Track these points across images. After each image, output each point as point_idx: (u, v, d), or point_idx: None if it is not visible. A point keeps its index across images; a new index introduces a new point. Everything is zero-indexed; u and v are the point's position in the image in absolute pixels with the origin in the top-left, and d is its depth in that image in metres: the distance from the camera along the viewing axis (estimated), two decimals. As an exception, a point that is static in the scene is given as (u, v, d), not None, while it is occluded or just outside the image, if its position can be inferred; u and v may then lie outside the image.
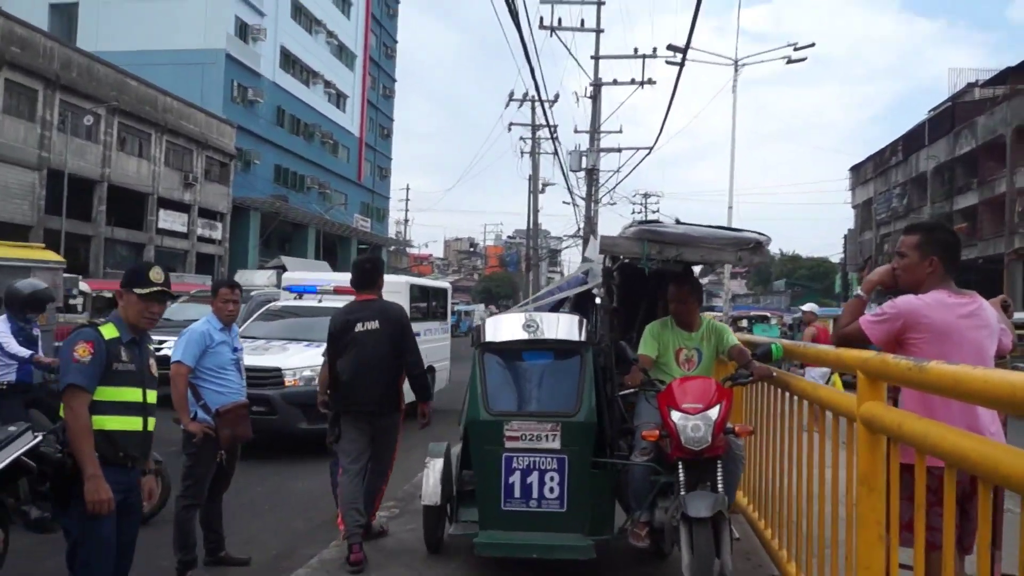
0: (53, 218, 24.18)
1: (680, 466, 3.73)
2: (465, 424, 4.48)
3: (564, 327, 4.47)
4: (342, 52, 46.65)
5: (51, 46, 24.87)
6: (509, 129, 39.61)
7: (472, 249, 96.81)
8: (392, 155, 57.87)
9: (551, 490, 4.08)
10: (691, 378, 4.09)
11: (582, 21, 27.09)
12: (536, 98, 34.64)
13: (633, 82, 27.66)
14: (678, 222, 4.61)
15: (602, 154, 31.35)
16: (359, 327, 4.82)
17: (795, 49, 20.37)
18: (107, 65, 27.28)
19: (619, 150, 33.19)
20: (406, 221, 67.82)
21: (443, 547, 4.75)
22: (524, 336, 4.36)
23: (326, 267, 30.67)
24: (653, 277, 5.03)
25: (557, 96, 44.19)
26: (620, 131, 39.64)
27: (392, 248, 56.96)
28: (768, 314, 31.54)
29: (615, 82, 28.72)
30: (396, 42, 57.10)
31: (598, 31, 27.16)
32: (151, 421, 3.29)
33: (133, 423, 3.20)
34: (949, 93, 36.79)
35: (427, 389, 5.10)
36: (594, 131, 29.68)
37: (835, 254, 58.35)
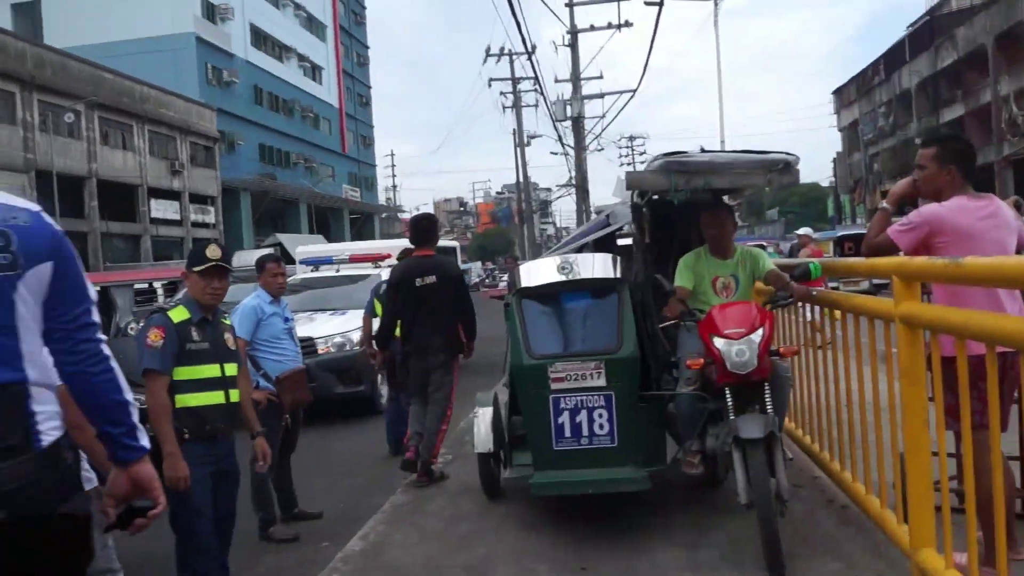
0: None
1: (727, 391, 3.71)
2: (510, 370, 4.56)
3: (599, 265, 4.55)
4: (312, 24, 46.02)
5: (22, 47, 24.61)
6: (489, 85, 39.34)
7: (462, 208, 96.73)
8: (373, 123, 57.50)
9: (600, 427, 4.13)
10: (730, 304, 4.10)
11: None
12: (521, 52, 34.38)
13: (610, 26, 27.39)
14: (703, 150, 4.52)
15: (586, 101, 31.20)
16: (418, 281, 5.45)
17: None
18: (80, 60, 27.02)
19: (602, 95, 32.97)
20: (394, 187, 67.67)
21: (500, 492, 4.88)
22: (560, 278, 4.41)
23: (321, 239, 30.76)
24: (682, 210, 4.98)
25: (534, 47, 43.72)
26: (601, 76, 39.66)
27: (384, 215, 56.90)
28: (764, 243, 31.79)
29: (592, 28, 28.38)
30: (364, 8, 56.24)
31: (570, -24, 26.80)
32: (233, 393, 3.52)
33: (215, 397, 3.42)
34: (927, 7, 36.56)
35: (474, 329, 5.77)
36: (576, 79, 29.51)
37: (825, 178, 58.46)
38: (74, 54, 27.06)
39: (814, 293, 4.15)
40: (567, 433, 4.15)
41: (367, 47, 56.70)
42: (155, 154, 30.69)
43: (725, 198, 5.19)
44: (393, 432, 6.89)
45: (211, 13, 36.19)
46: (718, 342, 3.72)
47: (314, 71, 46.29)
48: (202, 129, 33.55)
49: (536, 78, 32.64)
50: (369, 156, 56.66)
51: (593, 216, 6.55)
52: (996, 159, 28.01)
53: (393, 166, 66.35)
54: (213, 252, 3.47)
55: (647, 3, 18.23)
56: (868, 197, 40.26)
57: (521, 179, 46.67)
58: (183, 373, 3.35)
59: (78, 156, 26.45)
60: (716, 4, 22.59)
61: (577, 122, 30.40)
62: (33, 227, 1.67)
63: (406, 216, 73.97)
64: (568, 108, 29.96)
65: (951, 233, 3.13)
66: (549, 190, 69.55)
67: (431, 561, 4.04)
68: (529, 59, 22.80)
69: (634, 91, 29.87)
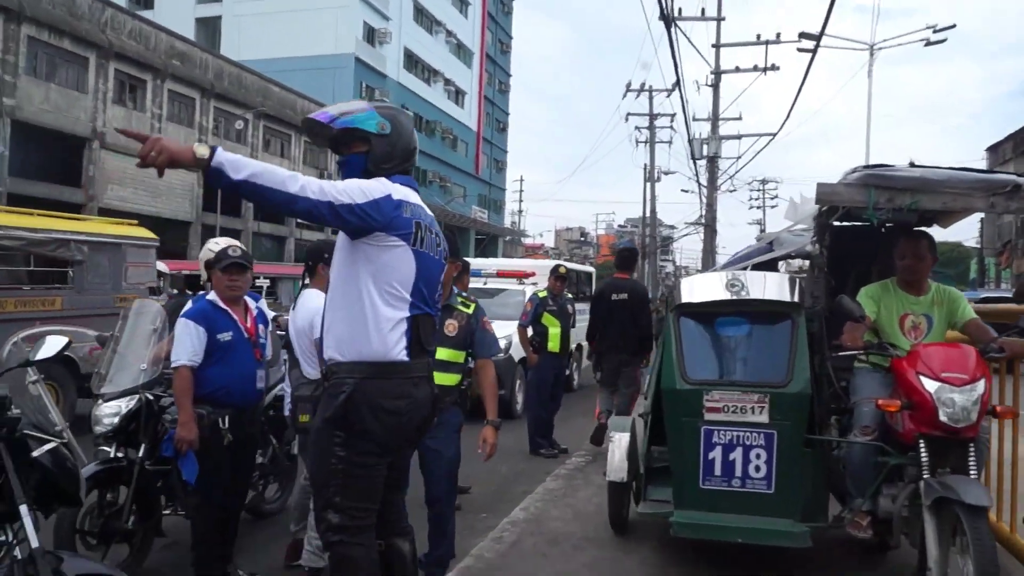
0: (209, 215, 26.34)
1: (923, 445, 3.22)
2: (652, 395, 4.24)
3: (773, 286, 4.07)
4: (460, 50, 47.97)
5: (205, 58, 27.05)
6: (626, 119, 39.86)
7: (583, 238, 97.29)
8: (507, 148, 58.96)
9: (757, 468, 3.68)
10: (944, 344, 3.56)
11: (703, 10, 26.85)
12: (661, 88, 34.61)
13: (756, 68, 27.27)
14: (912, 165, 3.93)
15: (723, 142, 31.06)
16: (614, 296, 7.15)
17: (934, 31, 19.67)
18: (253, 73, 29.36)
19: (739, 137, 32.72)
20: (520, 212, 68.86)
21: (627, 527, 4.57)
22: (727, 296, 3.96)
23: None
24: (866, 239, 4.51)
25: (675, 85, 43.90)
26: (740, 118, 39.31)
27: (508, 238, 58.10)
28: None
29: (737, 69, 28.28)
30: (511, 38, 58.05)
31: (719, 19, 26.91)
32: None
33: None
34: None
35: (649, 341, 7.09)
36: (715, 119, 29.49)
37: (970, 238, 55.11)
38: (248, 66, 29.45)
39: None
40: (717, 471, 3.73)
41: (509, 75, 58.40)
42: (307, 163, 32.80)
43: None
44: (533, 434, 7.51)
45: (371, 36, 38.48)
46: (931, 385, 3.19)
47: (457, 95, 48.17)
48: (351, 143, 35.61)
49: (682, 113, 32.44)
50: (500, 180, 58.10)
51: (753, 243, 6.18)
52: None
53: (521, 191, 67.74)
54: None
55: (800, 50, 18.19)
56: (1016, 261, 37.80)
57: (648, 213, 46.69)
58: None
59: (242, 160, 28.69)
60: (872, 54, 22.02)
61: (712, 161, 30.31)
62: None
63: (529, 240, 75.61)
64: (705, 147, 29.96)
65: None
66: (673, 227, 68.90)
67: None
68: (679, 93, 22.85)
69: (774, 135, 29.43)
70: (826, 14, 15.33)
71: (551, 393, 7.72)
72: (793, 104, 38.97)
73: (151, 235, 9.76)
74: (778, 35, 25.75)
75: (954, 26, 19.72)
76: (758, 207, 60.35)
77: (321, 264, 3.86)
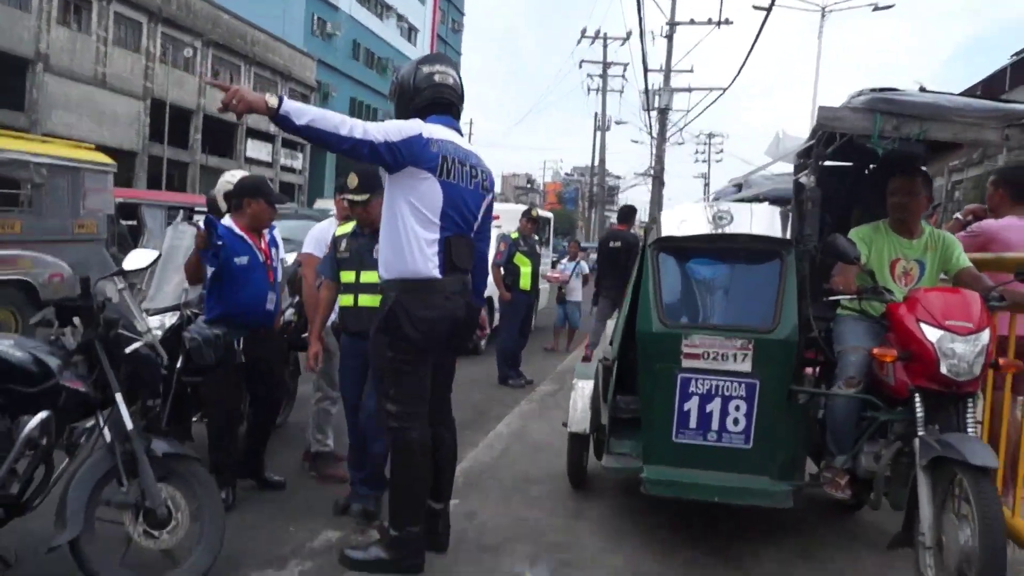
0: (156, 145, 25.81)
1: (918, 399, 2.97)
2: (620, 340, 4.01)
3: (763, 220, 3.69)
4: (415, -15, 47.09)
5: (153, -20, 26.12)
6: (580, 65, 40.06)
7: (529, 185, 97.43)
8: (458, 90, 58.48)
9: (735, 421, 3.40)
10: (946, 289, 3.30)
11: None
12: (616, 36, 34.78)
13: (710, 22, 27.82)
14: (923, 90, 3.64)
15: (674, 93, 31.61)
16: (611, 244, 8.96)
17: (884, -5, 20.45)
18: (203, -1, 28.47)
19: (690, 90, 33.37)
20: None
21: (585, 481, 4.34)
22: (711, 230, 3.61)
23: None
24: (848, 180, 4.23)
25: (629, 34, 44.16)
26: (692, 71, 39.88)
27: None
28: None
29: (692, 22, 28.76)
30: (465, -25, 57.10)
31: (677, -31, 27.15)
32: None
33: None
34: (1035, 37, 35.73)
35: None
36: (668, 70, 30.00)
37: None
38: (199, -8, 28.54)
39: None
40: (692, 423, 3.44)
41: (463, 14, 57.58)
42: (257, 96, 32.21)
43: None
44: (502, 365, 8.13)
45: (324, -34, 37.48)
46: (932, 333, 2.93)
47: (410, 32, 47.40)
48: (302, 77, 34.92)
49: (642, 62, 32.75)
50: (450, 122, 57.82)
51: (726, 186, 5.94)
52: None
53: (471, 135, 67.39)
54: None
55: (755, 7, 18.72)
56: (944, 225, 39.68)
57: (597, 163, 47.24)
58: None
59: (190, 90, 27.98)
60: (823, 15, 22.73)
61: (664, 113, 30.93)
62: (488, 170, 3.28)
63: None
64: (657, 99, 30.51)
65: (1002, 244, 3.86)
66: (619, 177, 69.72)
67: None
68: (640, 43, 23.20)
69: (724, 89, 30.11)
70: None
71: (520, 329, 8.30)
72: (745, 60, 39.46)
73: (108, 160, 9.56)
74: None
75: (901, -7, 20.51)
76: (704, 161, 61.47)
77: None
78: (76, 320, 3.10)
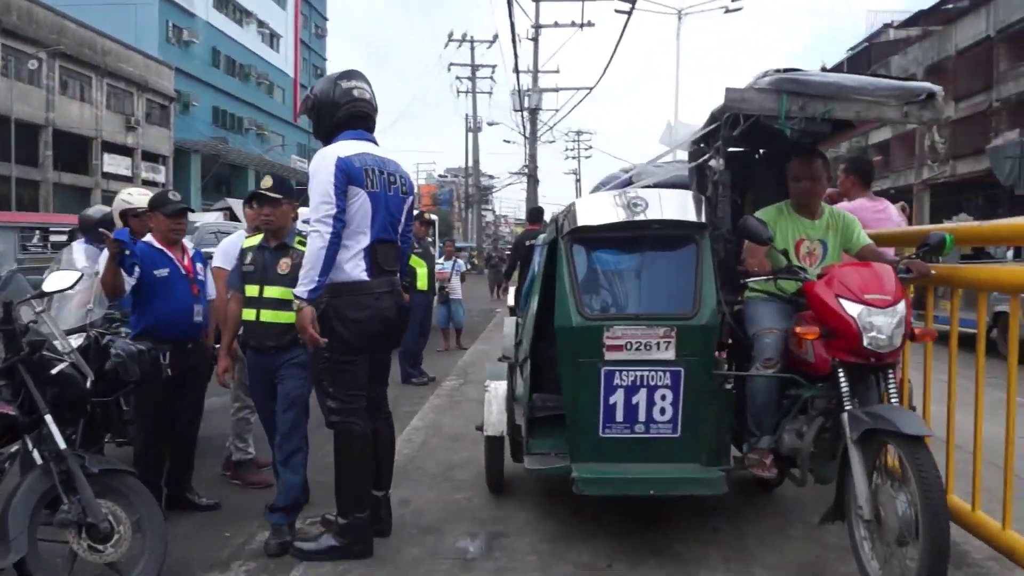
0: (2, 164, 24.05)
1: (842, 374, 3.02)
2: (530, 337, 3.94)
3: (675, 204, 3.54)
4: (274, -10, 45.86)
5: (-12, -12, 24.30)
6: (449, 69, 40.39)
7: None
8: (325, 96, 57.36)
9: (662, 411, 3.36)
10: (858, 264, 3.36)
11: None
12: (483, 39, 35.24)
13: (573, 24, 28.87)
14: (825, 70, 3.58)
15: (543, 93, 32.50)
16: (528, 243, 8.40)
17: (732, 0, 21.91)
18: (46, 8, 26.71)
19: (557, 90, 34.40)
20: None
21: (503, 486, 4.23)
22: (627, 217, 3.46)
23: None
24: (748, 163, 4.26)
25: (495, 37, 45.10)
26: (558, 71, 41.23)
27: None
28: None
29: (556, 24, 29.73)
30: (325, -21, 56.10)
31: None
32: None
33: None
34: (866, 33, 39.14)
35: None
36: (535, 71, 30.83)
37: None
38: (41, 0, 26.76)
39: (932, 272, 3.37)
40: (619, 417, 3.36)
41: (326, 19, 56.58)
42: (112, 108, 30.49)
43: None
44: (403, 365, 8.29)
45: (175, -29, 35.92)
46: (852, 308, 2.97)
47: (272, 38, 46.15)
48: (159, 87, 33.38)
49: (513, 63, 33.39)
50: (319, 129, 56.66)
51: (614, 173, 5.87)
52: (916, 182, 30.52)
53: (341, 141, 66.27)
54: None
55: (617, 11, 19.58)
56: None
57: (471, 164, 47.73)
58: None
59: (36, 103, 26.20)
60: (679, 18, 24.05)
61: (533, 113, 31.75)
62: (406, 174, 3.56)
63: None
64: (527, 99, 31.29)
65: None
66: (492, 177, 70.68)
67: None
68: (512, 46, 23.73)
69: (591, 88, 31.25)
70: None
71: (419, 329, 8.47)
72: (610, 60, 41.12)
73: None
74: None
75: (746, -6, 22.06)
76: (574, 158, 63.20)
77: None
78: (-6, 345, 3.07)
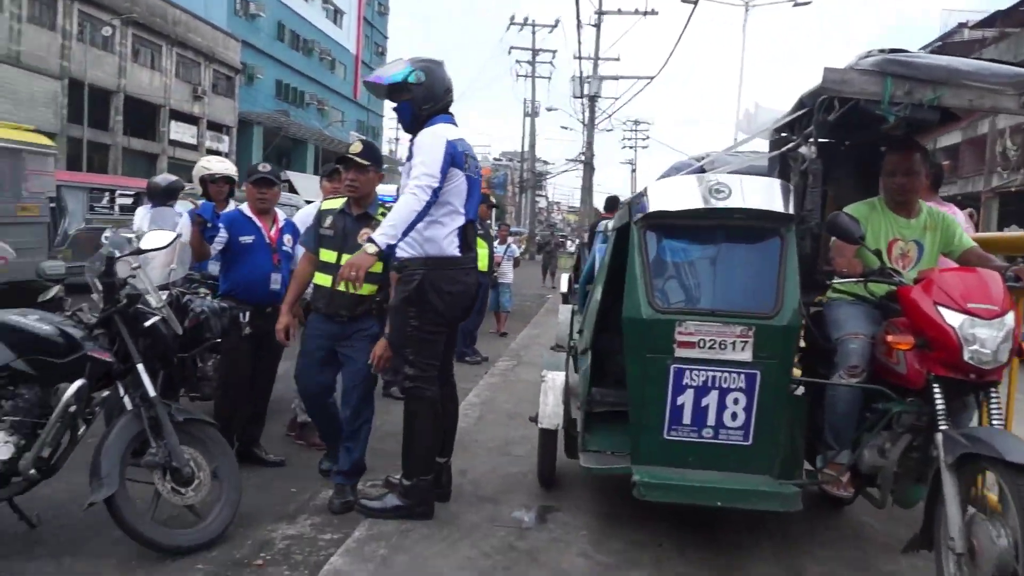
0: (75, 127, 24.88)
1: (937, 390, 2.75)
2: (592, 327, 3.74)
3: (764, 193, 3.23)
4: (341, -33, 46.37)
5: (69, -45, 25.07)
6: (509, 52, 40.43)
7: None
8: (386, 74, 57.87)
9: (734, 416, 3.11)
10: (965, 269, 3.04)
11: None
12: (544, 24, 35.18)
13: (636, 12, 28.65)
14: (995, 39, 3.46)
15: (603, 81, 32.33)
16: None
17: (802, -8, 21.52)
18: (122, -25, 27.47)
19: (618, 78, 34.16)
20: (397, 139, 68.17)
21: (556, 481, 4.05)
22: (710, 204, 3.16)
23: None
24: (831, 156, 3.76)
25: (557, 22, 45.01)
26: (618, 59, 40.98)
27: (385, 166, 57.58)
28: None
29: (619, 11, 29.53)
30: (392, -43, 56.43)
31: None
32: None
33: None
34: (940, 31, 37.93)
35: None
36: (596, 58, 30.66)
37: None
38: (117, -31, 27.52)
39: None
40: (686, 419, 3.14)
41: (390, -3, 56.99)
42: (180, 77, 31.26)
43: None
44: (459, 344, 8.44)
45: (247, -55, 36.56)
46: (953, 318, 2.71)
47: (336, 14, 46.69)
48: (226, 58, 34.09)
49: (578, 49, 33.28)
50: (378, 106, 57.02)
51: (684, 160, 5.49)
52: (984, 189, 29.60)
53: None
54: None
55: (684, 0, 19.39)
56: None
57: (527, 148, 47.73)
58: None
59: (109, 70, 27.01)
60: (746, 9, 23.67)
61: (593, 100, 31.61)
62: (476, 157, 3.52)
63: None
64: (586, 86, 31.17)
65: None
66: (546, 163, 70.58)
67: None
68: (576, 32, 23.66)
69: (652, 78, 30.94)
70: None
71: (476, 308, 8.61)
72: (673, 50, 40.54)
73: (50, 142, 9.48)
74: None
75: (817, -11, 21.61)
76: (631, 147, 62.67)
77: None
78: (95, 297, 3.28)
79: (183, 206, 6.04)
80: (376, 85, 3.56)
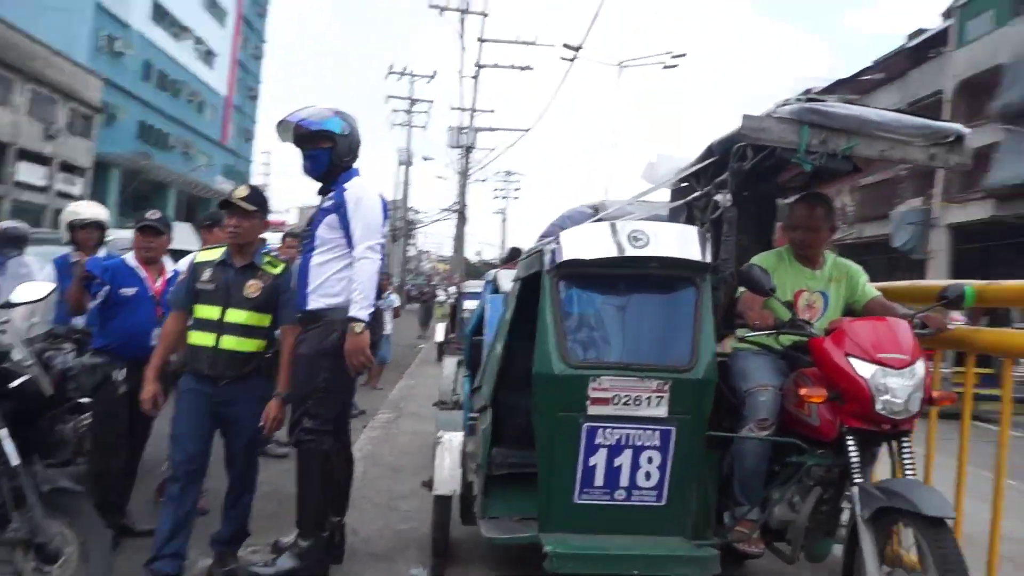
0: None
1: (851, 442, 2.72)
2: (491, 384, 3.51)
3: (679, 240, 3.09)
4: (214, 7, 45.28)
5: (-92, -20, 23.25)
6: (386, 101, 40.66)
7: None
8: (257, 118, 56.64)
9: (647, 476, 2.97)
10: (874, 319, 3.01)
11: (468, 3, 28.37)
12: (422, 75, 35.68)
13: (513, 67, 29.63)
14: (849, 102, 3.45)
15: (478, 132, 33.08)
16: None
17: (672, 57, 23.01)
18: (-31, 5, 25.71)
19: (492, 130, 35.04)
20: (266, 187, 66.59)
21: (450, 550, 3.80)
22: (627, 252, 2.99)
23: (189, 229, 30.37)
24: (746, 203, 3.64)
25: (435, 73, 45.68)
26: (493, 111, 42.23)
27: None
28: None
29: (496, 66, 30.42)
30: (269, 1, 55.72)
31: (484, 15, 28.66)
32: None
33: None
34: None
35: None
36: (473, 110, 31.38)
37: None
38: (-37, -2, 25.75)
39: (951, 327, 3.13)
40: (598, 480, 2.96)
41: (265, 40, 56.09)
42: (32, 115, 29.36)
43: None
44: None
45: (113, -20, 35.16)
46: (864, 369, 2.69)
47: (207, 55, 45.45)
48: (85, 97, 32.36)
49: (459, 101, 33.89)
50: (248, 151, 55.71)
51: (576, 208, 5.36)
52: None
53: (268, 164, 65.42)
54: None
55: (562, 58, 20.27)
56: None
57: (401, 197, 47.74)
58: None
59: (-50, 104, 25.09)
60: (620, 70, 24.99)
61: (468, 151, 32.26)
62: None
63: (273, 217, 73.49)
64: (461, 136, 31.80)
65: None
66: (417, 212, 70.77)
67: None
68: (459, 83, 24.06)
69: (527, 130, 31.91)
70: (586, 31, 17.22)
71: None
72: (549, 104, 41.88)
73: None
74: (535, 39, 28.02)
75: (685, 55, 23.23)
76: (503, 197, 63.94)
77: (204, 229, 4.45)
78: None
79: (39, 254, 5.63)
80: (296, 127, 3.50)
